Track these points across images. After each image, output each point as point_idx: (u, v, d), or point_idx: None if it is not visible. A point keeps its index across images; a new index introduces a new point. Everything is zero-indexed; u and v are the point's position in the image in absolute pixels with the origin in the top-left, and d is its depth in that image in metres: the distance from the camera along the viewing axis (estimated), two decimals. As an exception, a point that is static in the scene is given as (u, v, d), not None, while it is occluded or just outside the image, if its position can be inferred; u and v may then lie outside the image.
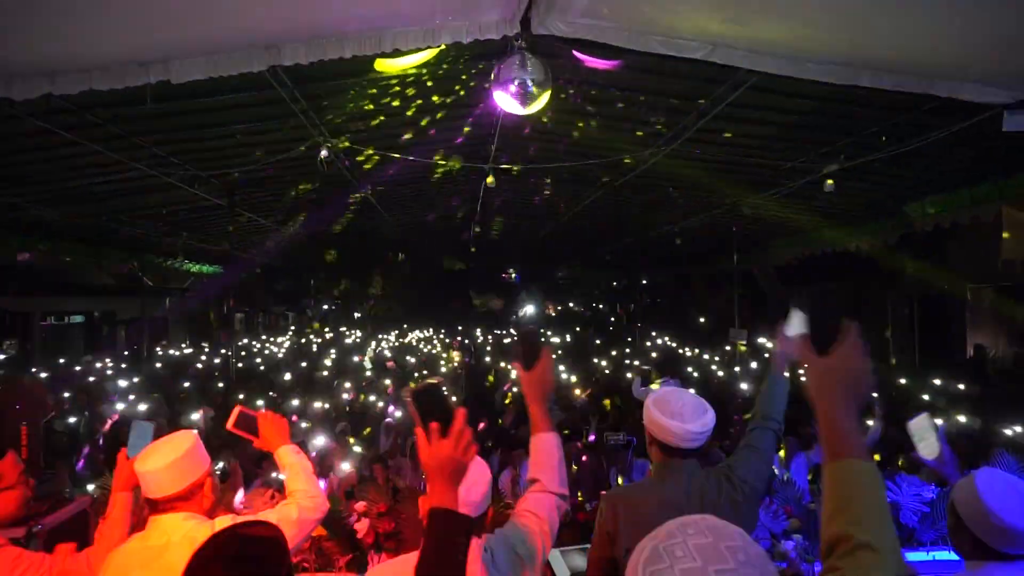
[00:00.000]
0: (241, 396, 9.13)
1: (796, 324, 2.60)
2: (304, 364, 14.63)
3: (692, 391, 2.60)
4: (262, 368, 14.39)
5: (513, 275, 26.23)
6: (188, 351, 17.64)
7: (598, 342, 19.71)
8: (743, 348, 12.23)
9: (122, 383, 10.53)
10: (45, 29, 3.16)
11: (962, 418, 7.36)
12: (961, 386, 9.43)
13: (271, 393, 10.32)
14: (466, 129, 7.51)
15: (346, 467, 5.58)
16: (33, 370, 12.37)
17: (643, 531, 1.04)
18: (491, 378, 13.11)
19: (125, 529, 2.58)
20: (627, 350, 17.48)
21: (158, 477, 2.16)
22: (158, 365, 14.38)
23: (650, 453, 2.50)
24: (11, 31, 3.11)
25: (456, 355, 16.09)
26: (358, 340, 20.56)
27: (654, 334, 19.42)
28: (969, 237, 10.13)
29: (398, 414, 8.56)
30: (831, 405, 1.24)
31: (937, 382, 9.61)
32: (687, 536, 0.97)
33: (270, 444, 2.60)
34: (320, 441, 6.42)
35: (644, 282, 23.06)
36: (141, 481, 2.18)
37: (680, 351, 15.99)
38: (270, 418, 2.63)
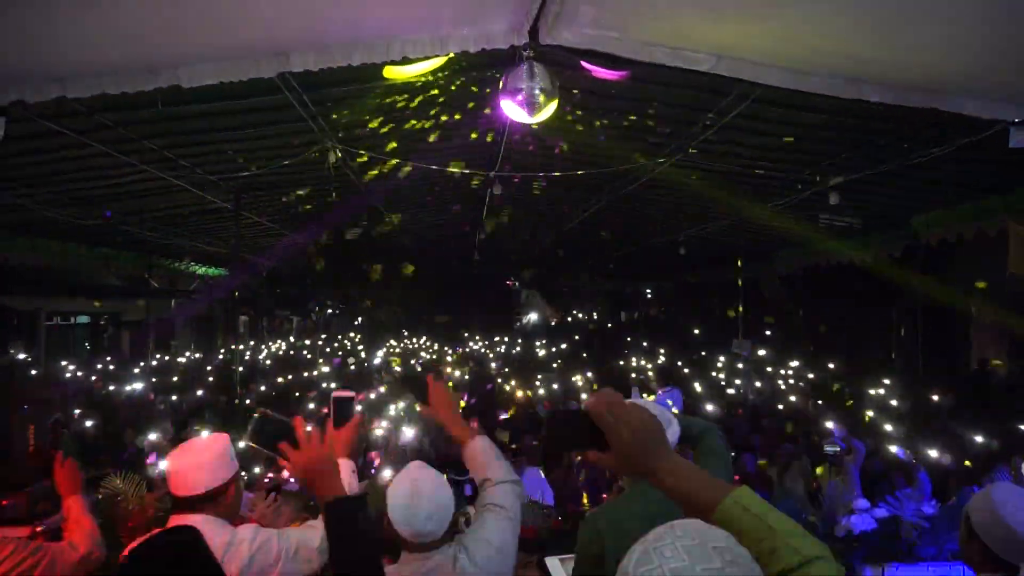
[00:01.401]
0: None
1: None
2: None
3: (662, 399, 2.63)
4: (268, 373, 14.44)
5: (516, 283, 26.21)
6: (197, 355, 17.69)
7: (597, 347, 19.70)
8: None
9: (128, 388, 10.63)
10: (59, 34, 3.20)
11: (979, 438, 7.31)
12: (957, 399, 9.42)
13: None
14: (473, 136, 7.55)
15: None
16: (35, 372, 12.45)
17: (631, 543, 1.07)
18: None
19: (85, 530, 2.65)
20: (633, 360, 17.47)
21: (186, 475, 2.19)
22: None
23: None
24: (26, 35, 3.16)
25: (459, 367, 16.09)
26: (360, 347, 20.56)
27: (657, 344, 19.40)
28: (974, 251, 10.11)
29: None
30: (649, 468, 1.22)
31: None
32: (675, 538, 1.01)
33: (338, 450, 2.58)
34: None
35: (648, 291, 23.04)
36: (169, 477, 2.21)
37: (681, 361, 15.97)
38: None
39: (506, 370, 15.57)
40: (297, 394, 11.32)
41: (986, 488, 2.12)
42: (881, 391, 10.28)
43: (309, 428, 1.70)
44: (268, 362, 17.13)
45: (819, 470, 6.23)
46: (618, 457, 1.22)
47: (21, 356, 14.06)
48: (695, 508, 1.18)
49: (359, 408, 8.41)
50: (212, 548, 2.06)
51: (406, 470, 2.15)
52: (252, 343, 20.74)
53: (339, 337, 22.89)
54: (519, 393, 12.18)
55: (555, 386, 12.87)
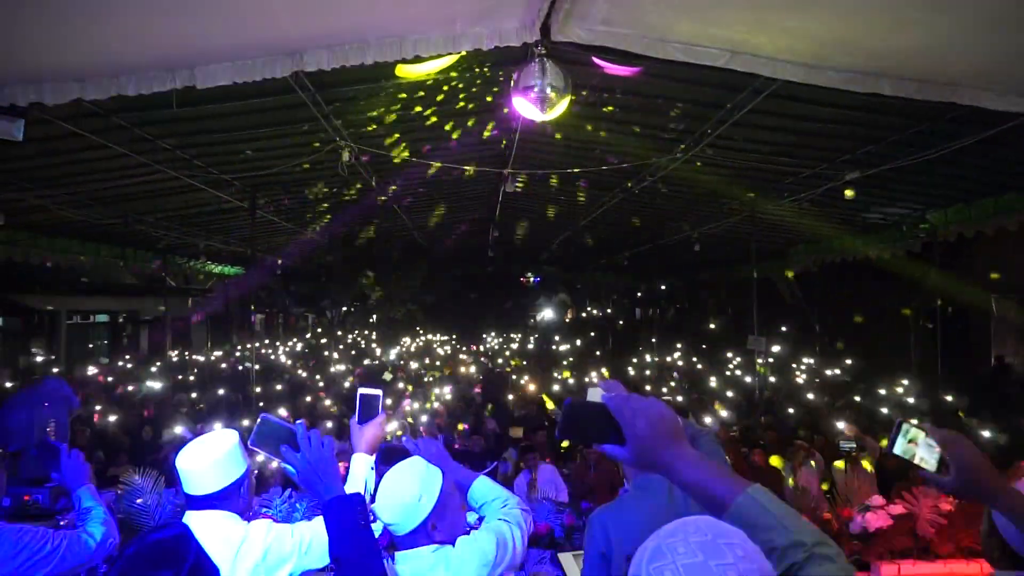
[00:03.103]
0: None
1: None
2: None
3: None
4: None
5: (531, 279, 26.21)
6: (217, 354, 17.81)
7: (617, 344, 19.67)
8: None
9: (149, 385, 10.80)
10: (76, 36, 3.24)
11: (986, 433, 7.27)
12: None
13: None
14: (486, 134, 7.56)
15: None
16: (56, 370, 12.61)
17: (637, 541, 1.08)
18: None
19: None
20: (647, 356, 17.42)
21: (198, 475, 2.18)
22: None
23: (624, 472, 2.53)
24: (44, 38, 3.20)
25: (471, 367, 16.14)
26: (374, 344, 20.64)
27: (672, 340, 19.33)
28: (994, 247, 9.99)
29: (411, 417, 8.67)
30: (665, 461, 1.19)
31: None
32: (688, 534, 1.03)
33: (360, 445, 2.57)
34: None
35: (663, 288, 22.94)
36: (181, 477, 2.21)
37: (695, 358, 15.92)
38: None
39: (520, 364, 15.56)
40: (310, 396, 11.34)
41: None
42: (898, 389, 10.18)
43: (309, 431, 1.76)
44: (287, 360, 17.18)
45: (839, 464, 6.19)
46: (634, 450, 1.21)
47: (42, 356, 14.26)
48: (710, 502, 1.16)
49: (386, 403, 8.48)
50: (227, 543, 2.09)
51: None
52: (267, 340, 20.84)
53: (355, 334, 22.95)
54: (531, 387, 12.19)
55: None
